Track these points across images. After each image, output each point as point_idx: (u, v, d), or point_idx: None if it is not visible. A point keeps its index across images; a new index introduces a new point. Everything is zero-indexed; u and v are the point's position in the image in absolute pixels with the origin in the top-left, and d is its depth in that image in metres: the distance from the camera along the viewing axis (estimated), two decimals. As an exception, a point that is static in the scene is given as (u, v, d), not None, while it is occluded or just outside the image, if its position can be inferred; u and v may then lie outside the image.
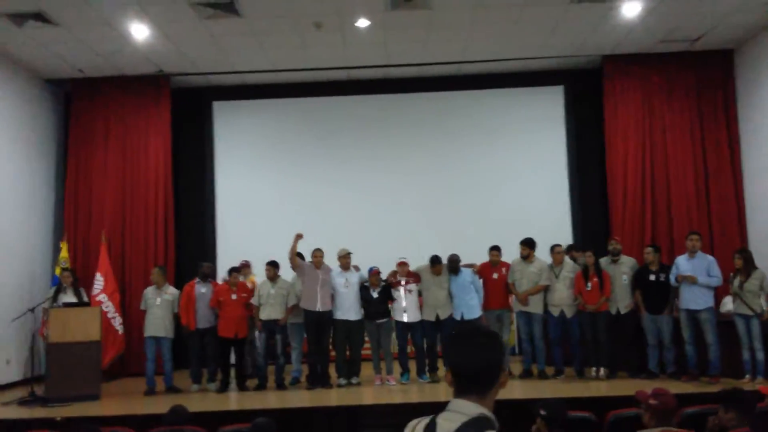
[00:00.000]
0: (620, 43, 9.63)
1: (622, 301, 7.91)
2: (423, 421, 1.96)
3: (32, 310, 8.45)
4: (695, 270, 7.42)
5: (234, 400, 7.70)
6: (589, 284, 7.88)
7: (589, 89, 10.53)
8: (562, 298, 8.01)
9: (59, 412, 6.74)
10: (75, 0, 7.60)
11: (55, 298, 8.42)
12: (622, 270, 7.97)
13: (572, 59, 10.27)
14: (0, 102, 9.06)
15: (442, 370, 8.12)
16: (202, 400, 7.46)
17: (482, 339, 1.97)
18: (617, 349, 7.94)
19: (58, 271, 9.00)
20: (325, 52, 9.50)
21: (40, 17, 7.99)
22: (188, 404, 6.23)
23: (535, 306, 8.13)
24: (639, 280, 7.88)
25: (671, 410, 3.71)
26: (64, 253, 9.28)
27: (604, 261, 8.13)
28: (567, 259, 8.30)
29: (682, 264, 7.58)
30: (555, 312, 8.05)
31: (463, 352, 1.94)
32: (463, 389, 1.92)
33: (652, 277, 7.74)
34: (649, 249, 7.91)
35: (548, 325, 8.18)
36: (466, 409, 1.88)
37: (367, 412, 6.45)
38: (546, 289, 8.13)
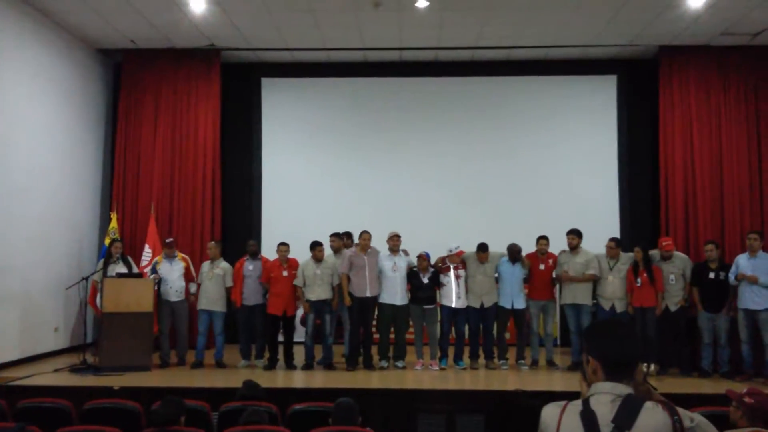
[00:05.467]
0: (679, 34, 9.42)
1: (670, 298, 7.78)
2: (571, 407, 2.07)
3: (86, 278, 8.53)
4: (756, 269, 7.32)
5: (293, 379, 7.63)
6: (639, 280, 7.75)
7: (643, 80, 10.33)
8: (614, 291, 7.91)
9: (114, 381, 6.79)
10: (137, -31, 7.56)
11: (105, 268, 8.43)
12: (670, 269, 7.82)
13: (627, 49, 10.08)
14: (52, 70, 8.98)
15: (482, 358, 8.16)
16: (253, 377, 7.47)
17: (631, 331, 2.22)
18: (666, 346, 7.82)
19: (107, 241, 8.98)
20: (379, 32, 9.39)
21: (99, -15, 7.96)
22: (236, 380, 6.26)
23: (584, 297, 8.04)
24: (697, 277, 7.75)
25: (766, 410, 3.63)
26: (114, 224, 9.28)
27: (655, 255, 7.99)
28: (623, 253, 8.16)
29: (743, 263, 7.47)
30: (606, 305, 7.95)
31: (617, 342, 2.12)
32: (612, 376, 2.07)
33: (712, 275, 7.62)
34: (710, 246, 7.75)
35: (597, 317, 8.07)
36: (617, 390, 2.04)
37: (423, 396, 6.43)
38: (597, 282, 8.03)
